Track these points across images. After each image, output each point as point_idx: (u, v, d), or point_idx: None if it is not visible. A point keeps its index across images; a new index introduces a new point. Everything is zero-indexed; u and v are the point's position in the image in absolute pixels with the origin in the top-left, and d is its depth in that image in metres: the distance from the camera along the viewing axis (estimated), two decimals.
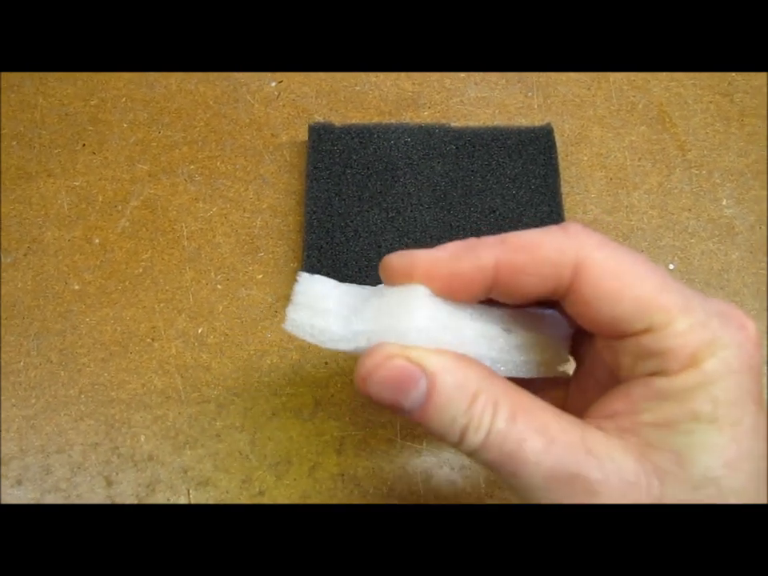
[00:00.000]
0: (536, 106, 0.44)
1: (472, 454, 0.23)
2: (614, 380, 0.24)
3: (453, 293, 0.24)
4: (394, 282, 0.24)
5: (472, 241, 0.24)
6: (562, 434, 0.22)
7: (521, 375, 0.25)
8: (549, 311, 0.26)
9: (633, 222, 0.40)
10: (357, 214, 0.38)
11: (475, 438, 0.22)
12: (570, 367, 0.27)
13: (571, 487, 0.22)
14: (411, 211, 0.38)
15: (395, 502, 0.34)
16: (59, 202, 0.41)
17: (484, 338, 0.24)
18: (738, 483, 0.22)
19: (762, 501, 0.22)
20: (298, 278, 0.25)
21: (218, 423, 0.36)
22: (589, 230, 0.23)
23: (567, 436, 0.22)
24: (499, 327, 0.25)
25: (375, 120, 0.43)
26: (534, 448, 0.22)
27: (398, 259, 0.24)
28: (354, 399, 0.36)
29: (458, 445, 0.23)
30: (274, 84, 0.44)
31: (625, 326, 0.22)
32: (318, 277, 0.25)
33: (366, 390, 0.22)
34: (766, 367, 0.23)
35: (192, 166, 0.41)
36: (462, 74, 0.44)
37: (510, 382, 0.23)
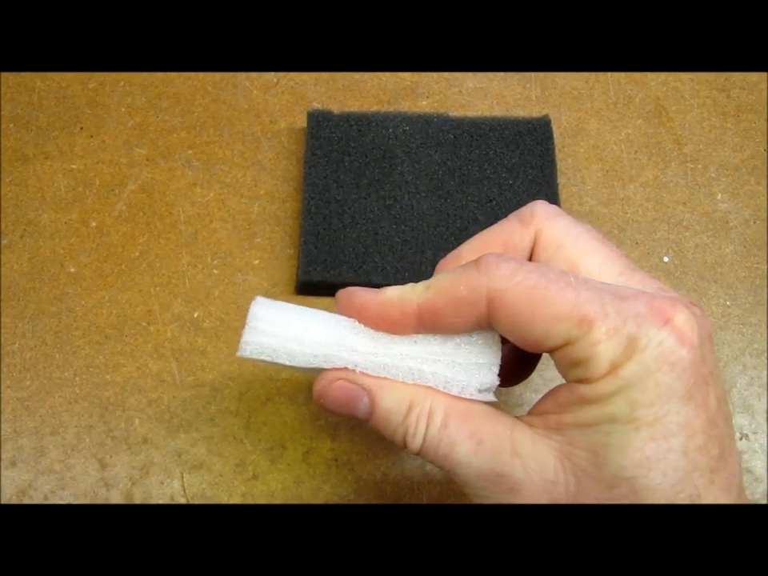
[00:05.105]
0: (534, 98, 0.44)
1: (418, 456, 0.25)
2: None
3: (386, 329, 0.26)
4: (339, 311, 0.27)
5: (406, 287, 0.25)
6: (491, 437, 0.24)
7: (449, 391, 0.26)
8: (475, 337, 0.26)
9: (628, 215, 0.41)
10: (354, 201, 0.38)
11: (414, 443, 0.25)
12: (491, 396, 0.26)
13: (498, 485, 0.24)
14: (408, 199, 0.38)
15: (389, 487, 0.35)
16: (56, 184, 0.41)
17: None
18: (653, 482, 0.22)
19: (683, 496, 0.22)
20: (253, 303, 0.26)
21: (212, 407, 0.36)
22: (502, 258, 0.24)
23: (496, 438, 0.24)
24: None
25: (373, 109, 0.43)
26: (464, 450, 0.24)
27: (341, 296, 0.26)
28: None
29: (404, 448, 0.25)
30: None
31: (545, 345, 0.23)
32: (274, 301, 0.26)
33: (324, 406, 0.26)
34: (700, 354, 0.22)
35: (190, 151, 0.41)
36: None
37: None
